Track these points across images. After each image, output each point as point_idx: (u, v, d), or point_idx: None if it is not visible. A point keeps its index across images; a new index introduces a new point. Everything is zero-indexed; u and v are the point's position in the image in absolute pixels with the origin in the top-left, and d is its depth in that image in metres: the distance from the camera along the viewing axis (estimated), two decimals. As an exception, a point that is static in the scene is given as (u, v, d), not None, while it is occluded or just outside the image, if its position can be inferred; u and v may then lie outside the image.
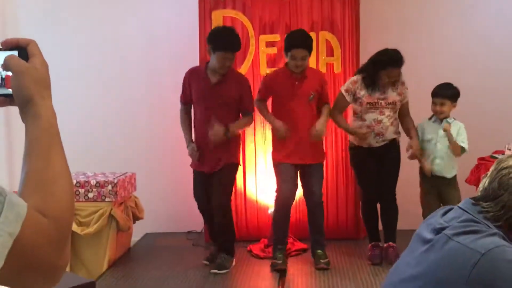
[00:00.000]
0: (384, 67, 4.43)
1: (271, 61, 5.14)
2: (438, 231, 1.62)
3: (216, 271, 4.50)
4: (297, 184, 4.65)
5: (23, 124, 1.01)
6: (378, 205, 4.78)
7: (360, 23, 5.22)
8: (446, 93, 4.51)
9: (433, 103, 4.54)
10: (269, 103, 4.75)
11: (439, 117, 4.55)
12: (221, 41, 4.33)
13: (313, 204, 4.65)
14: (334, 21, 5.18)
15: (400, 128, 4.73)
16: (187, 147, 4.57)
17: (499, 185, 1.60)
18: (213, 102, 4.43)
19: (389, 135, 4.61)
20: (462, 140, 4.49)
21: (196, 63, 5.01)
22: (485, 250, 1.48)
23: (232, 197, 5.22)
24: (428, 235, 1.65)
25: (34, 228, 0.89)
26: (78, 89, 5.54)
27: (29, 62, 1.01)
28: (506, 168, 1.61)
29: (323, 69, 5.16)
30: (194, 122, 4.62)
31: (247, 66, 5.16)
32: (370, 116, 4.57)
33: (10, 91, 1.01)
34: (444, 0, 5.63)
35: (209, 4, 5.18)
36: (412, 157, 4.59)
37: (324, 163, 4.83)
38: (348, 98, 4.60)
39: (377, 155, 4.63)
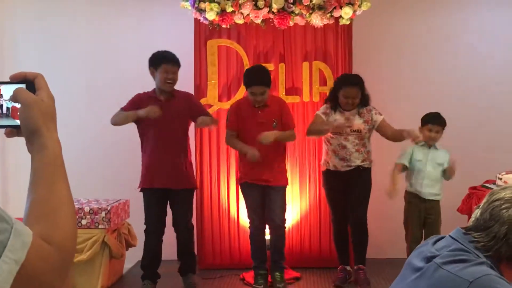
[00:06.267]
0: (341, 87, 4.71)
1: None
2: (428, 259, 1.65)
3: None
4: (264, 208, 4.75)
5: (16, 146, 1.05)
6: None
7: (353, 53, 5.29)
8: (441, 121, 4.68)
9: (429, 129, 4.64)
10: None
11: (429, 143, 4.67)
12: (162, 56, 4.58)
13: (274, 226, 4.79)
14: (328, 51, 5.26)
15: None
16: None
17: (490, 216, 1.64)
18: (166, 119, 4.49)
19: (354, 161, 4.74)
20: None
21: (191, 91, 5.08)
22: (473, 278, 1.51)
23: (225, 224, 5.26)
24: (419, 263, 1.68)
25: (38, 255, 0.92)
26: (73, 115, 5.58)
27: (36, 94, 1.05)
28: (498, 200, 1.65)
29: (316, 98, 5.23)
30: (147, 143, 4.63)
31: (241, 94, 5.21)
32: (335, 141, 4.75)
33: (18, 122, 1.05)
34: (437, 31, 5.73)
35: (205, 33, 5.26)
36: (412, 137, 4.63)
37: (286, 186, 4.90)
38: (325, 119, 4.79)
39: (345, 180, 4.78)
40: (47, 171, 1.01)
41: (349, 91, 4.69)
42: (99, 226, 4.58)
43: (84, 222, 4.59)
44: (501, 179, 4.87)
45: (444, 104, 5.54)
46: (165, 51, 4.63)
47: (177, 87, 4.69)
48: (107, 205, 4.68)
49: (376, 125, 4.79)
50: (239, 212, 5.28)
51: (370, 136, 4.84)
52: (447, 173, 4.66)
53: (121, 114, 4.57)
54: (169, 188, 4.60)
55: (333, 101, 4.80)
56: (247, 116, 4.73)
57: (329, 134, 4.79)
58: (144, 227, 4.67)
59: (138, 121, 4.62)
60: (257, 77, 4.67)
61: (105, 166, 5.68)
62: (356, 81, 4.72)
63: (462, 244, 1.63)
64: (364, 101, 4.79)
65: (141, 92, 4.71)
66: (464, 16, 5.76)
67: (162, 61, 4.55)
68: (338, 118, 4.76)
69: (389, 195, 4.60)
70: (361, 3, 5.03)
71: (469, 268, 1.54)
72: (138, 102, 4.62)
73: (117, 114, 4.58)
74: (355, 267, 4.88)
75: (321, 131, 4.79)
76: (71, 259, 0.99)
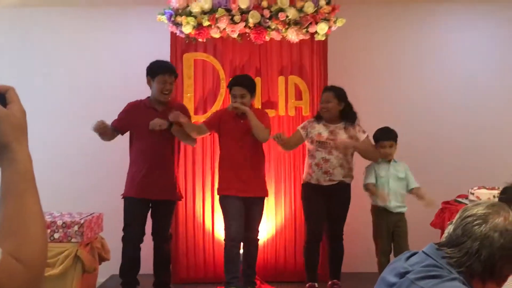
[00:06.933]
0: (321, 95, 4.87)
1: (241, 104, 5.20)
2: (402, 275, 1.66)
3: None
4: (242, 221, 4.71)
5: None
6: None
7: (328, 68, 5.33)
8: (392, 136, 4.76)
9: (382, 146, 4.72)
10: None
11: (387, 158, 4.76)
12: (160, 65, 4.61)
13: (250, 239, 4.76)
14: (303, 66, 5.29)
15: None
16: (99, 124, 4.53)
17: (463, 232, 1.65)
18: (160, 130, 4.52)
19: (337, 176, 4.76)
20: (413, 181, 4.76)
21: (167, 104, 5.07)
22: (446, 294, 1.52)
23: (200, 237, 5.24)
24: (393, 279, 1.69)
25: (7, 273, 0.90)
26: (47, 128, 5.52)
27: (7, 108, 1.03)
28: (470, 216, 1.67)
29: (291, 112, 5.25)
30: (139, 153, 4.63)
31: (217, 107, 5.21)
32: (319, 154, 4.78)
33: None
34: (411, 47, 5.81)
35: (181, 46, 5.25)
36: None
37: (266, 199, 4.89)
38: (303, 133, 4.85)
39: (326, 194, 4.78)
40: (18, 186, 1.00)
41: (322, 96, 4.83)
42: (72, 240, 4.51)
43: (56, 236, 4.51)
44: (473, 194, 4.93)
45: (417, 119, 5.63)
46: (163, 61, 4.67)
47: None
48: (80, 219, 4.62)
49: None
50: (214, 225, 5.25)
51: (353, 153, 4.86)
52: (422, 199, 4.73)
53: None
54: (155, 199, 4.61)
55: (318, 114, 4.88)
56: (229, 124, 4.74)
57: (314, 148, 4.79)
58: (121, 234, 4.66)
59: (132, 130, 4.65)
60: (238, 79, 4.74)
61: (78, 179, 5.62)
62: (331, 87, 4.85)
63: (435, 260, 1.65)
64: (350, 116, 4.83)
65: (133, 100, 4.73)
66: (438, 33, 5.85)
67: (159, 71, 4.57)
68: (322, 130, 4.79)
69: (383, 201, 4.66)
70: (336, 19, 5.08)
71: (441, 284, 1.55)
72: (131, 111, 4.65)
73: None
74: (329, 282, 4.89)
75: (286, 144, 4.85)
76: (40, 276, 0.97)
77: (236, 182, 4.67)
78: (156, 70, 4.59)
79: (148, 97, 4.70)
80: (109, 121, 4.66)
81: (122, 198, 4.66)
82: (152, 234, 4.70)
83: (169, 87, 4.60)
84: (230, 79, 4.87)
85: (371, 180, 4.75)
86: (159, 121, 4.50)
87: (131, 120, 4.63)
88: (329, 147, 4.75)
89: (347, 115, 4.82)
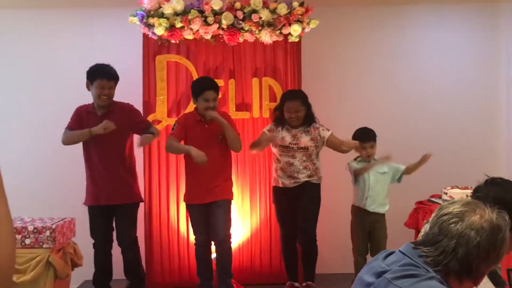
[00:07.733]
0: (284, 103, 4.82)
1: (215, 106, 5.18)
2: (379, 274, 1.66)
3: None
4: (208, 225, 4.72)
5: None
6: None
7: (302, 70, 5.33)
8: (371, 136, 4.79)
9: (363, 147, 4.72)
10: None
11: (368, 159, 4.77)
12: (98, 70, 4.57)
13: (218, 241, 4.72)
14: (277, 68, 5.28)
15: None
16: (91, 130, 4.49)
17: (439, 231, 1.65)
18: (105, 135, 4.48)
19: (302, 177, 4.79)
20: (399, 165, 4.83)
21: (140, 106, 5.02)
22: (423, 293, 1.52)
23: (175, 242, 5.19)
24: (370, 279, 1.68)
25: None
26: (19, 133, 5.43)
27: None
28: (446, 214, 1.66)
29: (266, 114, 5.23)
30: (90, 159, 4.64)
31: (191, 110, 5.16)
32: (284, 159, 4.82)
33: None
34: (384, 49, 5.84)
35: (153, 48, 5.20)
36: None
37: (231, 201, 4.84)
38: (270, 135, 4.84)
39: (293, 195, 4.81)
40: None
41: (291, 105, 4.78)
42: (44, 246, 4.43)
43: (27, 241, 4.43)
44: (446, 193, 4.98)
45: (390, 121, 5.66)
46: (102, 65, 4.60)
47: (127, 101, 4.66)
48: (52, 224, 4.53)
49: (325, 141, 4.82)
50: (189, 230, 5.20)
51: (318, 152, 4.87)
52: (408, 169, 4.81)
53: (73, 133, 4.53)
54: (110, 204, 4.60)
55: (280, 119, 4.86)
56: (194, 130, 4.70)
57: (278, 152, 4.82)
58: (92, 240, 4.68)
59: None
60: (210, 82, 4.68)
61: (50, 183, 5.53)
62: (297, 95, 4.82)
63: (411, 259, 1.64)
64: (309, 119, 4.83)
65: (82, 104, 4.72)
66: (412, 34, 5.89)
67: (97, 76, 4.52)
68: (285, 135, 4.80)
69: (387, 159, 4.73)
70: (310, 21, 5.09)
71: (419, 283, 1.55)
72: (79, 116, 4.63)
73: (68, 134, 4.55)
74: (303, 284, 4.88)
75: (258, 143, 4.86)
76: (9, 281, 0.94)
77: (200, 189, 4.66)
78: (94, 74, 4.55)
79: (93, 102, 4.68)
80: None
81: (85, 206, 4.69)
82: (117, 239, 4.70)
83: (107, 92, 4.56)
84: (196, 84, 4.74)
85: (355, 165, 4.79)
86: (106, 123, 4.45)
87: (80, 126, 4.59)
88: (292, 151, 4.77)
89: (308, 117, 4.84)
